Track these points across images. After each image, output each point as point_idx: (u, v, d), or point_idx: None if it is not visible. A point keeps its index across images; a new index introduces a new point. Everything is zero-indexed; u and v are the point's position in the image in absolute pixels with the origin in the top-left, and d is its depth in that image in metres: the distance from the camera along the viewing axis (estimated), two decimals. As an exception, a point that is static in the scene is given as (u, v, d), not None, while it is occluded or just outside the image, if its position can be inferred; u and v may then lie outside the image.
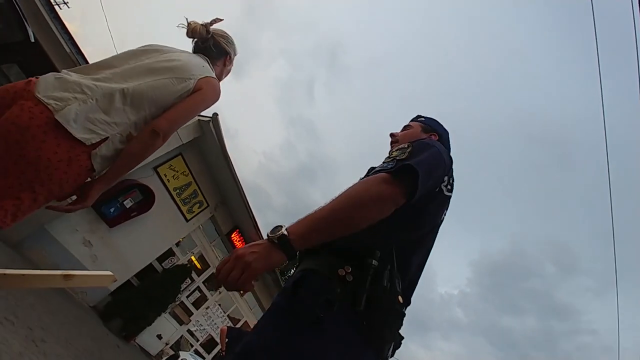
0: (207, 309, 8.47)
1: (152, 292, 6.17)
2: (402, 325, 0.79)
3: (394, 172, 0.79)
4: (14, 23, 5.70)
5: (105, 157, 0.98)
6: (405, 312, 0.82)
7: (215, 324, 8.59)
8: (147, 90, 1.02)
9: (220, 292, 8.94)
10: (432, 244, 0.99)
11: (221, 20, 1.33)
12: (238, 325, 9.30)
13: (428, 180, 0.82)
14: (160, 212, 6.27)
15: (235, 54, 1.41)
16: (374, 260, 0.77)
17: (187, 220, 7.05)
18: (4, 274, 1.09)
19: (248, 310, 10.17)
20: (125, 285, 6.13)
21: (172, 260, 7.21)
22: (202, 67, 1.20)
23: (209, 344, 8.64)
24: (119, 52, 1.21)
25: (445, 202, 0.96)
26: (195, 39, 1.31)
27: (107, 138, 0.95)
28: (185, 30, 1.30)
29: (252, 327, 4.27)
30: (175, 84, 1.08)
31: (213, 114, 6.38)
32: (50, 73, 0.97)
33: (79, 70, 1.04)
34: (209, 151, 6.93)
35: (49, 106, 0.87)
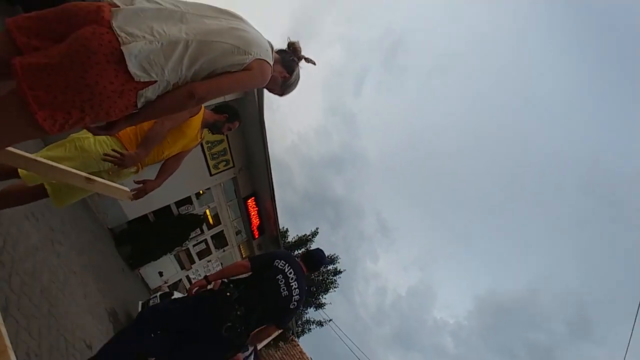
0: (208, 262, 8.87)
1: (163, 231, 6.54)
2: (230, 307, 1.92)
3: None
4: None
5: (149, 99, 1.02)
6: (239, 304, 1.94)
7: (213, 278, 8.99)
8: (208, 49, 1.04)
9: (224, 251, 9.30)
10: (272, 283, 2.11)
11: (315, 64, 1.49)
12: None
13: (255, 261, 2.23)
14: (189, 159, 6.44)
15: (287, 89, 1.47)
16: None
17: (211, 175, 7.31)
18: (36, 160, 1.19)
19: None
20: (141, 219, 6.52)
21: (189, 208, 7.56)
22: (266, 50, 1.21)
23: (203, 295, 9.09)
24: None
25: (277, 269, 2.16)
26: (287, 50, 1.43)
27: (155, 82, 0.98)
28: (289, 40, 1.44)
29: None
30: (235, 54, 1.09)
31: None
32: (131, 5, 0.99)
33: (150, 10, 1.03)
34: (247, 115, 7.06)
35: (119, 37, 0.91)
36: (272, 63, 1.24)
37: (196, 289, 2.05)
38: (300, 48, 1.44)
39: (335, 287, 17.25)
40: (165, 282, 7.62)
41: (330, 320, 17.35)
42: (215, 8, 1.17)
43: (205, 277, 2.13)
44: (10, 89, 0.87)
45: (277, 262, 2.19)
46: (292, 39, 1.45)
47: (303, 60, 1.45)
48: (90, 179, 1.30)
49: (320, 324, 17.32)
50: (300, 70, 1.47)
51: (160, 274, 7.39)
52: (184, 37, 1.01)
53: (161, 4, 1.04)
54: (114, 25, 0.92)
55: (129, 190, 1.41)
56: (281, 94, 1.47)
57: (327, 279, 17.11)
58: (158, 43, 0.97)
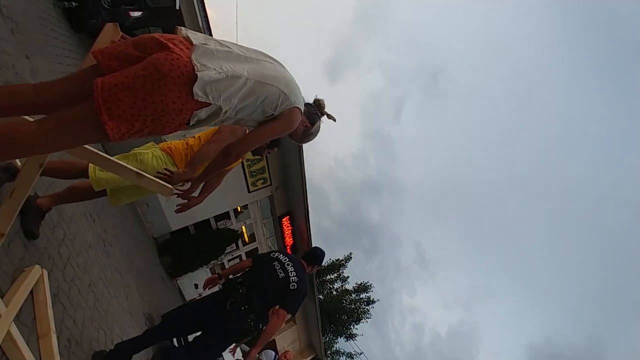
0: (242, 278, 8.98)
1: (202, 244, 6.80)
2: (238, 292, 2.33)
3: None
4: (167, -8, 6.94)
5: (200, 119, 1.16)
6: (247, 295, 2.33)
7: (245, 295, 9.03)
8: (261, 90, 1.22)
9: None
10: (269, 267, 2.49)
11: (335, 121, 1.67)
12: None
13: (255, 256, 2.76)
14: (230, 176, 6.83)
15: (308, 138, 1.64)
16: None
17: (249, 192, 7.58)
18: (93, 152, 1.33)
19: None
20: (183, 230, 6.87)
21: (226, 223, 7.84)
22: (302, 100, 1.42)
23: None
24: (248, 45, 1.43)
25: (273, 258, 2.56)
26: (312, 104, 1.62)
27: (210, 104, 1.12)
28: (316, 97, 1.65)
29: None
30: (281, 97, 1.28)
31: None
32: (207, 45, 1.16)
33: (222, 52, 1.20)
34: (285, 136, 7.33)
35: (195, 66, 1.06)
36: (302, 108, 1.42)
37: (210, 285, 2.60)
38: (324, 105, 1.63)
39: (367, 318, 16.46)
40: (200, 295, 7.80)
41: (361, 353, 16.43)
42: (268, 55, 1.37)
43: (217, 273, 2.69)
44: (88, 101, 1.01)
45: (273, 254, 2.62)
46: (319, 97, 1.65)
47: (325, 116, 1.63)
48: (140, 173, 1.42)
49: (350, 356, 16.45)
50: (321, 125, 1.64)
51: (196, 286, 7.60)
52: (246, 75, 1.18)
53: (230, 49, 1.23)
54: (192, 56, 1.08)
55: (172, 187, 1.51)
56: (300, 142, 1.64)
57: (359, 307, 16.41)
58: (224, 75, 1.13)
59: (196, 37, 1.18)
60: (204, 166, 2.08)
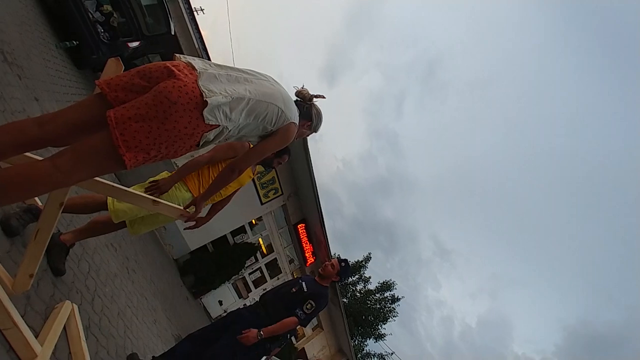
0: (264, 290, 8.99)
1: (222, 260, 6.86)
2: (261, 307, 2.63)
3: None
4: (162, 19, 7.11)
5: (208, 140, 1.21)
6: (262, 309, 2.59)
7: (269, 306, 9.03)
8: (262, 108, 1.31)
9: (278, 279, 9.40)
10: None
11: (324, 98, 1.73)
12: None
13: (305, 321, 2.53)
14: (241, 191, 6.92)
15: (315, 129, 1.76)
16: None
17: (262, 204, 7.62)
18: (112, 186, 1.35)
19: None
20: (202, 249, 6.94)
21: (243, 237, 7.89)
22: (296, 112, 1.49)
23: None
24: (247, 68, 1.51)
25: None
26: (298, 100, 1.68)
27: (218, 126, 1.18)
28: (296, 90, 1.70)
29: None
30: (278, 115, 1.37)
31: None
32: (210, 69, 1.24)
33: (223, 76, 1.28)
34: (292, 144, 7.37)
35: (203, 92, 1.12)
36: (297, 121, 1.49)
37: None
38: (305, 92, 1.68)
39: (394, 316, 16.23)
40: (225, 311, 7.85)
41: (393, 353, 16.19)
42: (261, 73, 1.45)
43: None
44: (102, 133, 1.04)
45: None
46: (297, 87, 1.72)
47: (314, 100, 1.70)
48: (156, 201, 1.44)
49: (381, 357, 16.23)
50: (319, 105, 1.71)
51: (220, 302, 7.66)
52: (248, 95, 1.26)
53: (229, 72, 1.31)
54: (199, 82, 1.14)
55: (182, 208, 1.56)
56: (312, 133, 1.77)
57: (385, 307, 16.21)
58: (230, 98, 1.20)
59: (196, 63, 1.23)
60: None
